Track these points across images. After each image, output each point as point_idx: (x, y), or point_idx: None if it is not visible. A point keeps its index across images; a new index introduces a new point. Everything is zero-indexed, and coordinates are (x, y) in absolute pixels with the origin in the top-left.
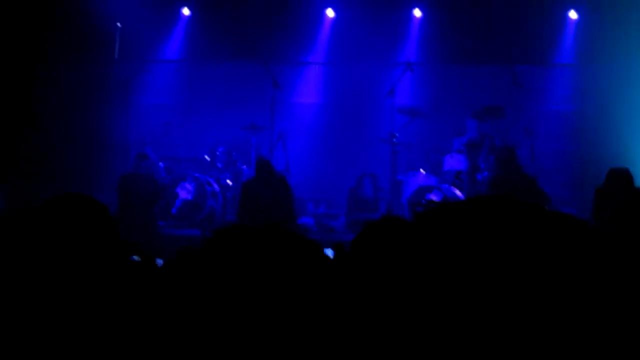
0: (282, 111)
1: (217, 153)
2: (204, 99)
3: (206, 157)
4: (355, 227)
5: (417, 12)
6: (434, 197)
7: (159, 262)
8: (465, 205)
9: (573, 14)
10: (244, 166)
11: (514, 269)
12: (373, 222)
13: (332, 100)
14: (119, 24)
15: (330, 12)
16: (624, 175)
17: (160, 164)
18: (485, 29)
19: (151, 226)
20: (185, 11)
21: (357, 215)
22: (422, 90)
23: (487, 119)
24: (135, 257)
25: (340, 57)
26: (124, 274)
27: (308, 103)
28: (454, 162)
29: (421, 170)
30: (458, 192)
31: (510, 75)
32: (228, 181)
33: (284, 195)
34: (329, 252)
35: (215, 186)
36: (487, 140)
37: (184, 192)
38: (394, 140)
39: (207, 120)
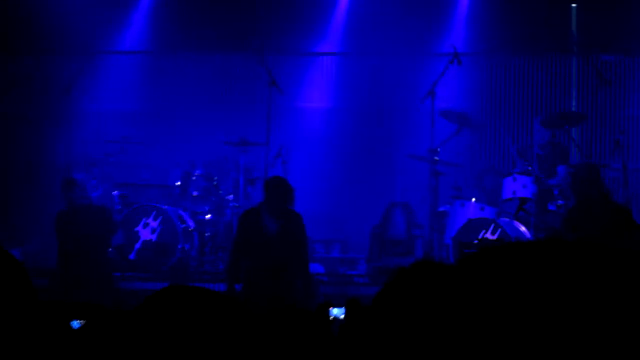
0: (282, 120)
1: (193, 177)
2: (174, 104)
3: (177, 183)
4: (381, 277)
5: None
6: (489, 236)
7: None
8: (532, 250)
9: None
10: (230, 196)
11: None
12: (405, 269)
13: (350, 105)
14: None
15: None
16: None
17: (114, 192)
18: (557, 5)
19: (103, 278)
20: None
21: (384, 261)
22: (473, 89)
23: (561, 128)
24: (76, 323)
25: (360, 46)
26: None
27: (317, 108)
28: (517, 187)
29: (472, 199)
30: (523, 229)
31: (592, 67)
32: (208, 216)
33: (301, 236)
34: (339, 312)
35: (190, 222)
36: (561, 157)
37: (147, 232)
38: (435, 157)
39: (180, 133)
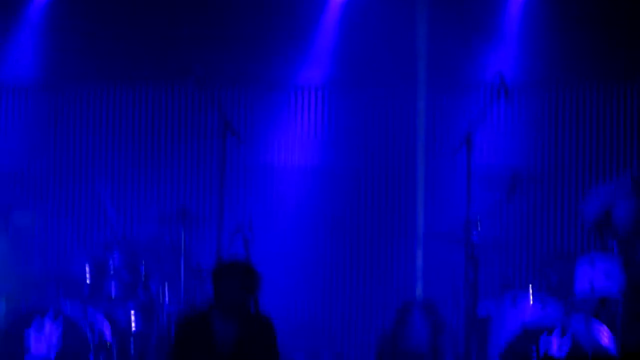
0: (243, 183)
1: (111, 265)
2: (78, 160)
3: (86, 272)
4: None
5: None
6: (555, 351)
7: None
8: None
9: None
10: (165, 295)
11: None
12: None
13: (343, 162)
14: None
15: None
16: None
17: None
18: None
19: None
20: None
21: None
22: (527, 135)
23: None
24: None
25: (359, 75)
26: None
27: (294, 167)
28: (596, 274)
29: (529, 292)
30: (605, 337)
31: None
32: (133, 323)
33: (268, 351)
34: None
35: (105, 329)
36: None
37: (40, 344)
38: (474, 236)
39: (89, 202)
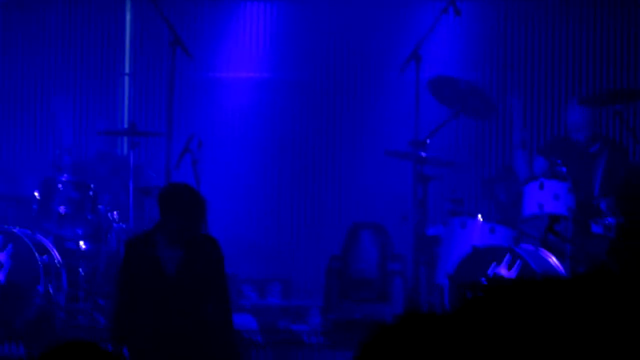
0: (192, 98)
1: (59, 186)
2: (27, 75)
3: (35, 193)
4: (343, 334)
5: None
6: (504, 272)
7: None
8: (570, 293)
9: None
10: (114, 213)
11: None
12: (383, 328)
13: (294, 75)
14: None
15: None
16: None
17: None
18: None
19: None
20: None
21: (347, 311)
22: (477, 52)
23: (608, 109)
24: None
25: None
26: None
27: (244, 80)
28: (545, 197)
29: (478, 215)
30: (554, 260)
31: None
32: (82, 244)
33: (215, 273)
34: None
35: (55, 254)
36: (610, 152)
37: None
38: (422, 154)
39: (36, 121)
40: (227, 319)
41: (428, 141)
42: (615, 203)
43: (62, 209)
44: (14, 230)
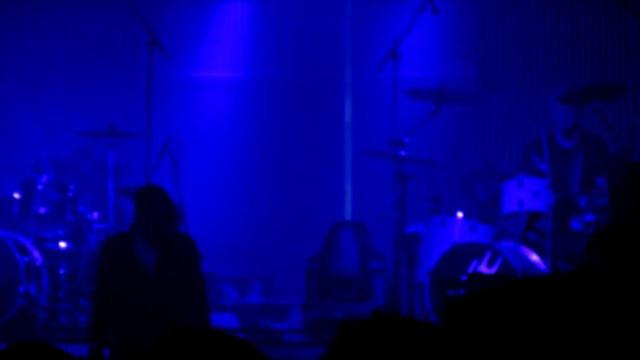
0: (170, 98)
1: (39, 187)
2: (4, 75)
3: (15, 195)
4: (324, 332)
5: None
6: (484, 269)
7: None
8: (553, 291)
9: None
10: (94, 214)
11: None
12: (358, 324)
13: (271, 75)
14: None
15: None
16: None
17: None
18: None
19: None
20: None
21: (327, 309)
22: (456, 50)
23: (587, 105)
24: None
25: None
26: None
27: (222, 79)
28: (524, 195)
29: (458, 213)
30: (534, 258)
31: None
32: (62, 244)
33: (191, 270)
34: None
35: (36, 254)
36: (591, 146)
37: None
38: (401, 153)
39: (14, 121)
40: (204, 317)
41: (406, 140)
42: (598, 199)
43: (42, 209)
44: None
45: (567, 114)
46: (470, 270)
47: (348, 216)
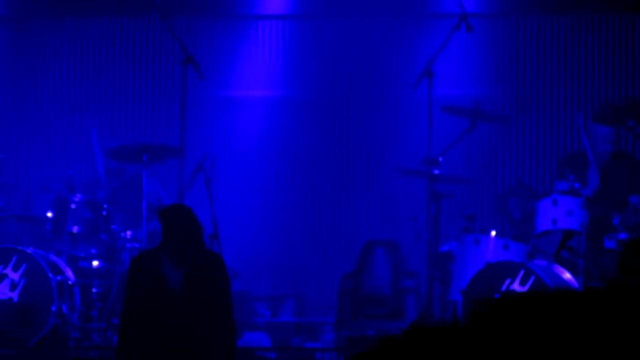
0: (204, 117)
1: (72, 206)
2: (42, 95)
3: (49, 214)
4: (355, 351)
5: None
6: (517, 287)
7: None
8: (584, 307)
9: None
10: (127, 233)
11: None
12: (391, 340)
13: (306, 94)
14: None
15: None
16: None
17: None
18: None
19: None
20: None
21: (360, 327)
22: (490, 68)
23: (622, 124)
24: None
25: (323, 5)
26: None
27: (257, 99)
28: (558, 213)
29: (492, 232)
30: (567, 276)
31: None
32: (95, 263)
33: (219, 290)
34: None
35: (69, 273)
36: (625, 164)
37: (4, 287)
38: (435, 171)
39: (49, 140)
40: (231, 338)
41: (440, 159)
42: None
43: (75, 228)
44: (28, 250)
45: (609, 136)
46: (504, 288)
47: (381, 235)
